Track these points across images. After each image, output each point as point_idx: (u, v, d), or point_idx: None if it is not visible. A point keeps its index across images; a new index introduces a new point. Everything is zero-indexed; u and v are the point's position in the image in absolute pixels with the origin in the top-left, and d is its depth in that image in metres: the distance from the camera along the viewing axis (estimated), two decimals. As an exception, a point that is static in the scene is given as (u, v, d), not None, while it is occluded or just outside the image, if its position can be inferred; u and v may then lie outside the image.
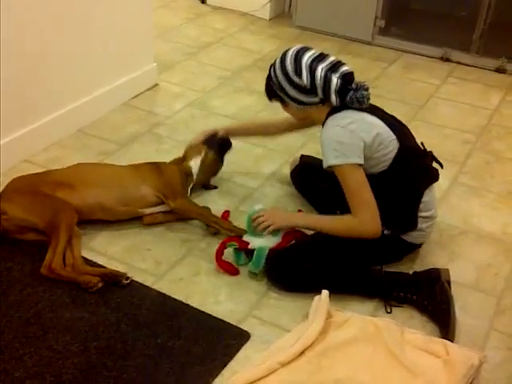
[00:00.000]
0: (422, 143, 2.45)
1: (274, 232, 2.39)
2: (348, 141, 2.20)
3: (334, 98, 2.24)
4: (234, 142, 3.06)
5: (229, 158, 3.06)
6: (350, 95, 2.23)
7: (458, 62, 4.30)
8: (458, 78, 4.11)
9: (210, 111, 3.54)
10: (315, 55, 2.30)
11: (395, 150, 2.25)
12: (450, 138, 3.41)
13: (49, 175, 2.57)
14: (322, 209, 2.68)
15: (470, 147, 3.34)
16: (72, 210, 2.40)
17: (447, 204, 2.86)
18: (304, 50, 2.32)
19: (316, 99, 2.29)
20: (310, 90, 2.26)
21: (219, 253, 2.39)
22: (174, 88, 3.78)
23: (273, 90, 2.39)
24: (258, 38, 4.56)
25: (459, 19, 4.56)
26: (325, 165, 2.25)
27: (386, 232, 2.30)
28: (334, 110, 2.28)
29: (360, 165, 2.22)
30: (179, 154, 2.84)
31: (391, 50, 4.46)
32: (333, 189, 2.57)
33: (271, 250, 2.34)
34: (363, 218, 2.24)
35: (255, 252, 2.34)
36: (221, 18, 4.85)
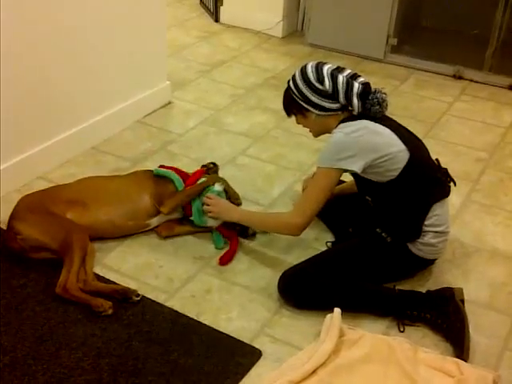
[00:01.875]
0: (436, 159, 2.46)
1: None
2: (347, 148, 2.24)
3: (355, 101, 2.27)
4: (247, 159, 3.08)
5: (241, 175, 3.09)
6: (372, 97, 2.27)
7: (471, 80, 4.30)
8: (470, 96, 4.11)
9: (223, 129, 3.57)
10: (334, 67, 2.36)
11: (404, 161, 2.26)
12: (462, 156, 3.40)
13: (58, 192, 2.59)
14: (334, 226, 2.68)
15: (484, 165, 3.33)
16: (84, 232, 2.43)
17: (460, 222, 2.85)
18: (323, 62, 2.38)
19: (337, 105, 2.31)
20: (332, 95, 2.29)
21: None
22: (188, 106, 3.80)
23: (293, 101, 2.39)
24: (270, 56, 4.59)
25: (471, 37, 4.58)
26: (318, 164, 2.33)
27: (387, 239, 2.35)
28: (345, 119, 2.32)
29: (349, 171, 2.28)
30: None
31: (403, 67, 4.47)
32: (345, 207, 2.58)
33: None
34: (296, 220, 2.35)
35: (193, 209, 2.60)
36: (234, 37, 4.89)
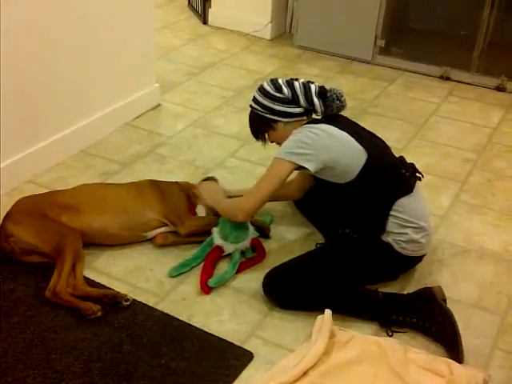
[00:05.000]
0: (401, 156, 2.52)
1: (243, 236, 2.52)
2: (304, 146, 2.32)
3: (316, 101, 2.39)
4: (236, 161, 3.08)
5: (231, 177, 3.09)
6: (330, 94, 2.40)
7: (458, 81, 4.33)
8: (458, 97, 4.14)
9: (213, 131, 3.57)
10: (288, 78, 2.49)
11: (362, 162, 2.32)
12: (450, 157, 3.42)
13: (54, 197, 2.58)
14: (323, 227, 2.70)
15: (471, 165, 3.35)
16: (78, 236, 2.41)
17: (449, 222, 2.87)
18: (275, 78, 2.50)
19: (300, 109, 2.43)
20: (293, 100, 2.41)
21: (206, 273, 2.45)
22: (177, 108, 3.80)
23: (259, 119, 2.49)
24: (259, 58, 4.60)
25: (459, 38, 4.60)
26: (275, 155, 2.39)
27: (354, 236, 2.43)
28: (310, 122, 2.43)
29: (303, 167, 2.34)
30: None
31: (391, 69, 4.49)
32: (335, 208, 2.59)
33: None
34: (243, 205, 2.42)
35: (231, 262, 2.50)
36: (222, 39, 4.89)
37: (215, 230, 2.54)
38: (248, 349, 2.15)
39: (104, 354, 2.10)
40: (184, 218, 2.58)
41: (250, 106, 2.53)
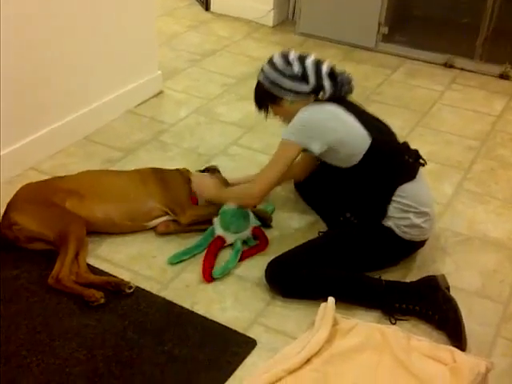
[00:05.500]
0: (405, 142, 2.50)
1: (244, 225, 2.52)
2: (310, 127, 2.31)
3: (326, 82, 2.33)
4: (239, 148, 3.06)
5: (233, 165, 3.08)
6: (340, 77, 2.36)
7: (462, 69, 4.31)
8: (461, 85, 4.12)
9: (215, 118, 3.56)
10: (299, 53, 2.41)
11: (366, 147, 2.31)
12: (454, 145, 3.41)
13: (58, 183, 2.57)
14: (325, 215, 2.70)
15: (475, 153, 3.34)
16: (82, 223, 2.41)
17: (452, 210, 2.87)
18: (288, 51, 2.42)
19: (308, 87, 2.35)
20: (302, 77, 2.34)
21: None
22: (179, 95, 3.79)
23: (266, 93, 2.42)
24: (261, 45, 4.57)
25: (462, 26, 4.58)
26: (282, 137, 2.38)
27: (354, 221, 2.44)
28: (316, 102, 2.39)
29: (308, 149, 2.33)
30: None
31: (395, 56, 4.47)
32: (337, 193, 2.58)
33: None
34: (252, 190, 2.43)
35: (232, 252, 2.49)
36: (224, 26, 4.87)
37: (216, 221, 2.53)
38: (251, 336, 2.16)
39: (107, 341, 2.10)
40: (185, 207, 2.57)
41: (258, 79, 2.45)
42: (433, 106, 3.82)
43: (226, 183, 2.74)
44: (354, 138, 2.32)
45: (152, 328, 2.16)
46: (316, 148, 2.31)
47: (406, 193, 2.34)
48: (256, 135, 3.39)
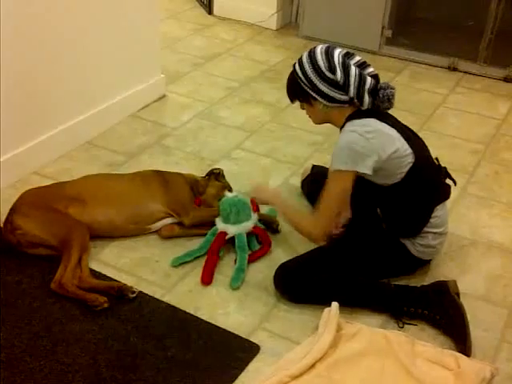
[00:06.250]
0: (436, 158, 2.42)
1: (244, 216, 2.50)
2: (362, 150, 2.17)
3: (366, 97, 2.19)
4: (242, 152, 3.05)
5: (237, 169, 3.07)
6: (382, 93, 2.20)
7: (466, 72, 4.29)
8: (465, 88, 4.10)
9: (218, 122, 3.55)
10: (344, 52, 2.25)
11: (410, 164, 2.22)
12: (458, 148, 3.40)
13: (60, 189, 2.56)
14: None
15: (479, 157, 3.33)
16: (85, 229, 2.41)
17: (456, 215, 2.85)
18: (332, 47, 2.26)
19: (346, 97, 2.22)
20: (343, 87, 2.19)
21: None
22: (182, 99, 3.79)
23: (300, 89, 2.28)
24: (265, 48, 4.57)
25: (466, 29, 4.57)
26: (332, 167, 2.23)
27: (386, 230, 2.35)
28: (353, 116, 2.25)
29: (362, 173, 2.20)
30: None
31: (398, 59, 4.46)
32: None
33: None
34: (316, 223, 2.31)
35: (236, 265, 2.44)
36: (228, 29, 4.86)
37: (217, 219, 2.54)
38: (254, 341, 2.15)
39: (110, 346, 2.09)
40: (188, 208, 2.57)
41: (294, 67, 2.29)
42: (437, 109, 3.81)
43: (229, 188, 2.74)
44: (400, 155, 2.22)
45: (155, 333, 2.16)
46: (369, 170, 2.18)
47: (436, 213, 2.31)
48: (259, 139, 3.39)
